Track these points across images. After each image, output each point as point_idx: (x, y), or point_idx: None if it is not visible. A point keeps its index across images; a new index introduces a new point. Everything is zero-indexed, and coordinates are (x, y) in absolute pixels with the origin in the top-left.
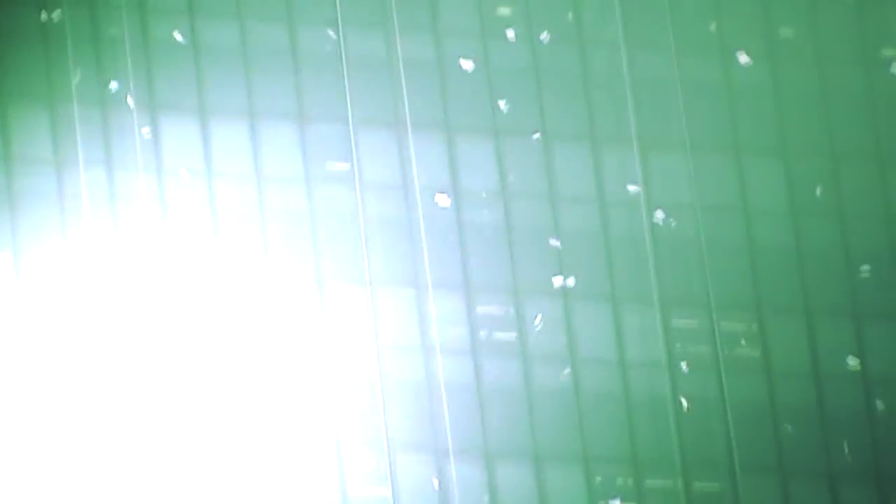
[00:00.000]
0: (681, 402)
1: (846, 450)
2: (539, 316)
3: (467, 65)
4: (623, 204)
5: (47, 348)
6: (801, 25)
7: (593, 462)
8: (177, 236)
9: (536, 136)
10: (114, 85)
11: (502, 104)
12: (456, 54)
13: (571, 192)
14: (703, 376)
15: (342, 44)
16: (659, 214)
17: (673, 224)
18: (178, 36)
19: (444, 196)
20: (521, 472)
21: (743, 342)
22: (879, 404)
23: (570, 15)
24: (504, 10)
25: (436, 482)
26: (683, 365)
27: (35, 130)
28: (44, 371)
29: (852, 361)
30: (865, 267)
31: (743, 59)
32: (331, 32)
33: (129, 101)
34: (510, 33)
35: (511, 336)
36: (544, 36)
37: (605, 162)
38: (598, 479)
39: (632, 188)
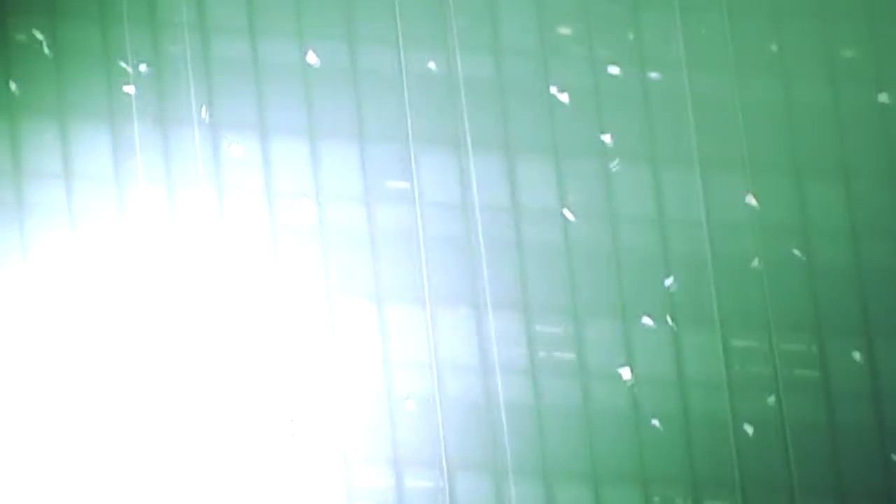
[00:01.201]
0: (744, 429)
1: None
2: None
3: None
4: (681, 224)
5: (57, 354)
6: (862, 46)
7: (651, 483)
8: (237, 254)
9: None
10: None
11: (565, 123)
12: (517, 74)
13: (630, 212)
14: (759, 397)
15: (402, 62)
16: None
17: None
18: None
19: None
20: (579, 491)
21: (801, 363)
22: None
23: (631, 35)
24: (565, 30)
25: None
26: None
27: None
28: (57, 379)
29: None
30: None
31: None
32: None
33: (203, 113)
34: (571, 52)
35: (570, 356)
36: (613, 69)
37: (664, 182)
38: (657, 499)
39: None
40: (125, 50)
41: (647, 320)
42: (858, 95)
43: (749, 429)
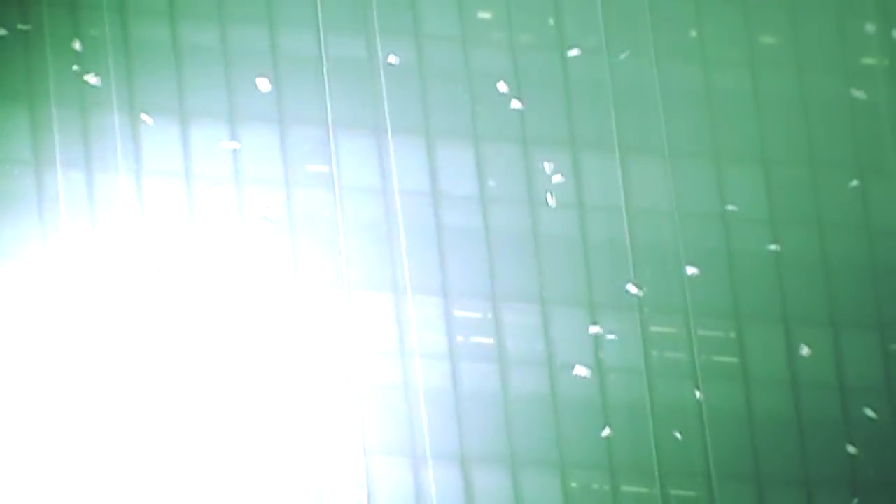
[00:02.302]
0: (665, 415)
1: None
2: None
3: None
4: (601, 210)
5: (30, 350)
6: (783, 33)
7: (569, 468)
8: (154, 238)
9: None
10: (93, 79)
11: (484, 108)
12: (436, 58)
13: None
14: (679, 384)
15: (323, 46)
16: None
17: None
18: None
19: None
20: (497, 477)
21: (720, 350)
22: (868, 412)
23: (552, 20)
24: (485, 14)
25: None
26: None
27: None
28: (22, 373)
29: (829, 370)
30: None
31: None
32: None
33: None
34: (491, 38)
35: (489, 341)
36: (533, 54)
37: (584, 168)
38: (574, 485)
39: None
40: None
41: (565, 306)
42: (777, 82)
43: (670, 416)
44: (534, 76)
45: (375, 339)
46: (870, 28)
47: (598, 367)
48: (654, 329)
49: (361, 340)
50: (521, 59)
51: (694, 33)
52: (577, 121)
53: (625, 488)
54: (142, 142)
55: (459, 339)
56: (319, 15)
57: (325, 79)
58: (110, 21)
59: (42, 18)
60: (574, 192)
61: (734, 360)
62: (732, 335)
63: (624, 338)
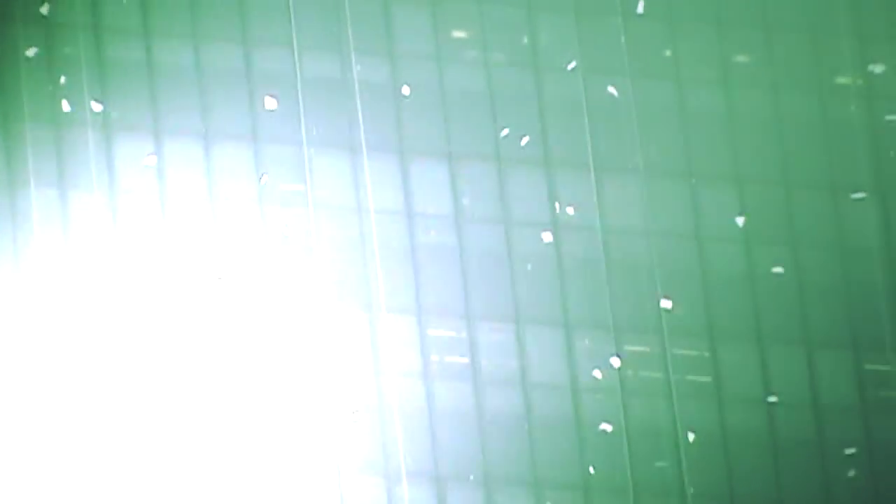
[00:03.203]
0: (633, 434)
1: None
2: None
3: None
4: (575, 229)
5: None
6: (756, 52)
7: (544, 487)
8: (131, 254)
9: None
10: (66, 105)
11: (457, 127)
12: (410, 77)
13: (525, 217)
14: (654, 402)
15: (298, 65)
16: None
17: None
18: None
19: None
20: (471, 494)
21: (695, 368)
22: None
23: (526, 39)
24: (459, 34)
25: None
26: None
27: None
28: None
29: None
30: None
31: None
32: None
33: (94, 106)
34: (466, 56)
35: (463, 360)
36: (508, 73)
37: (559, 186)
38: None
39: (570, 210)
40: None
41: (540, 325)
42: (753, 100)
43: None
44: (508, 95)
45: (350, 358)
46: (844, 47)
47: (572, 382)
48: (629, 348)
49: (335, 359)
50: (495, 77)
51: (668, 52)
52: (551, 139)
53: None
54: (115, 160)
55: (434, 357)
56: (294, 34)
57: (300, 97)
58: (84, 39)
59: (17, 35)
60: (548, 210)
61: (708, 378)
62: (707, 354)
63: (595, 355)
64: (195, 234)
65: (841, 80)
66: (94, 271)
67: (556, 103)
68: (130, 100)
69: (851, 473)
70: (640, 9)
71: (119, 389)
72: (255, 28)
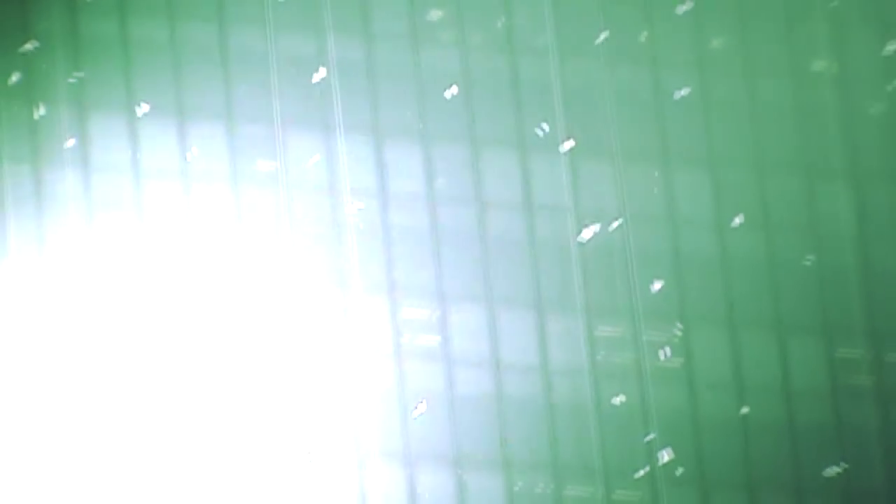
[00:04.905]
0: (603, 410)
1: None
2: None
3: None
4: (550, 211)
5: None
6: (731, 37)
7: (513, 469)
8: (104, 235)
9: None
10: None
11: (433, 108)
12: (386, 57)
13: (498, 198)
14: (626, 384)
15: (272, 44)
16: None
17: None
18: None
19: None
20: (442, 477)
21: (667, 351)
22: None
23: (501, 21)
24: (435, 14)
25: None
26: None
27: None
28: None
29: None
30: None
31: None
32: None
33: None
34: (441, 37)
35: (434, 340)
36: (483, 55)
37: (533, 169)
38: (518, 486)
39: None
40: None
41: (512, 307)
42: (727, 86)
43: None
44: (483, 76)
45: (324, 338)
46: (819, 33)
47: (543, 364)
48: (599, 331)
49: (307, 338)
50: (470, 58)
51: (644, 36)
52: (525, 122)
53: (569, 489)
54: (91, 138)
55: (405, 338)
56: (269, 13)
57: (274, 76)
58: (60, 16)
59: None
60: (522, 192)
61: (680, 362)
62: (678, 338)
63: (567, 337)
64: (170, 215)
65: (816, 65)
66: (71, 257)
67: (532, 85)
68: (105, 76)
69: (824, 460)
70: None
71: (107, 367)
72: (230, 7)
